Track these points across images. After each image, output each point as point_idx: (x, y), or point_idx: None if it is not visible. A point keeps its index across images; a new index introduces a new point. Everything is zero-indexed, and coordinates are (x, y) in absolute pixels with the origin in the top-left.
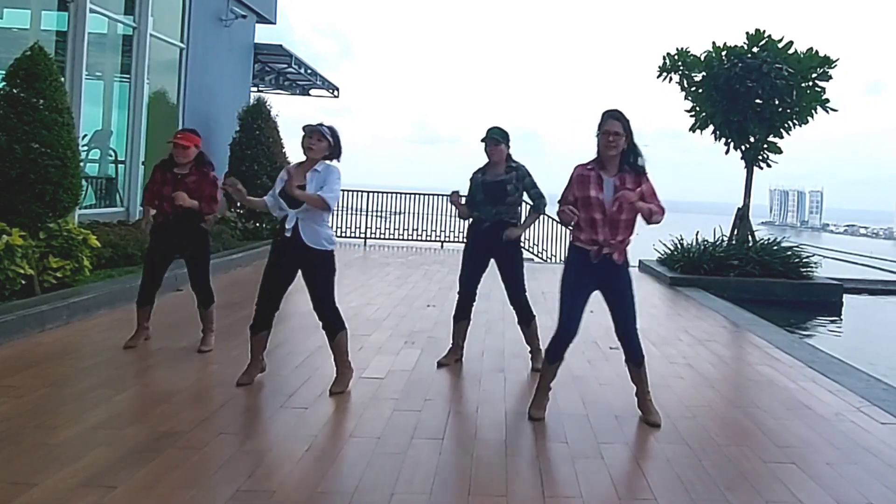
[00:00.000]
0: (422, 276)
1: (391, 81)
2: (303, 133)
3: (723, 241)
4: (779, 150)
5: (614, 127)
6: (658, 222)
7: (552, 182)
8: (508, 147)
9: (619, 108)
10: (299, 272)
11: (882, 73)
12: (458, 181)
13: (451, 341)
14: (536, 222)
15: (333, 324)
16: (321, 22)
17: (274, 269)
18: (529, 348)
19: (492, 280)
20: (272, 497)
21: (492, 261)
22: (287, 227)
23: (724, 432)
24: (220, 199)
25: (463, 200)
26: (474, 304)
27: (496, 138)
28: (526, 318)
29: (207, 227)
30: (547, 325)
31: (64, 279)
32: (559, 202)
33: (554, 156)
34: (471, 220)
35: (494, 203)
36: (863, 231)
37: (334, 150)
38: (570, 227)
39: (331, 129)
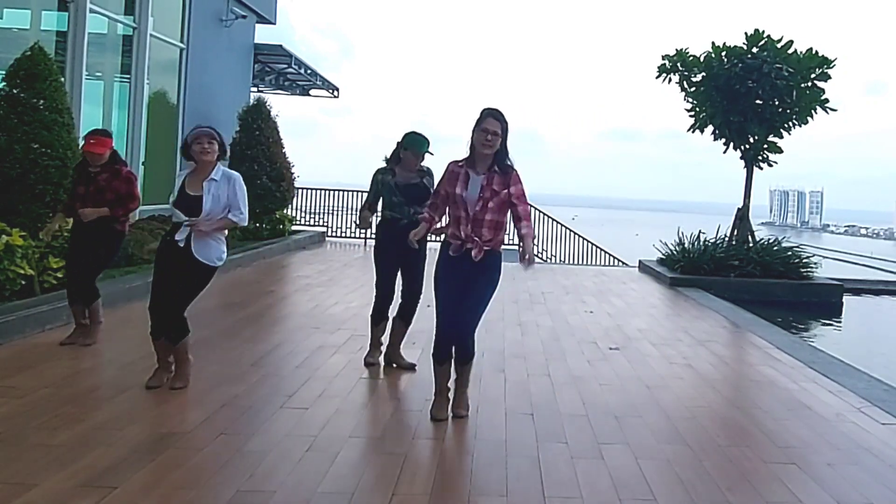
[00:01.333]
0: None
1: (392, 81)
2: (193, 137)
3: (723, 241)
4: (779, 150)
5: (493, 126)
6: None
7: (553, 181)
8: None
9: (500, 108)
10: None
11: (883, 72)
12: None
13: (371, 340)
14: (537, 224)
15: (182, 328)
16: (322, 22)
17: (164, 276)
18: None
19: None
20: (273, 497)
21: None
22: (179, 237)
23: (725, 433)
24: (138, 195)
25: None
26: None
27: (427, 150)
28: (409, 317)
29: (123, 227)
30: (547, 325)
31: (64, 279)
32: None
33: (555, 156)
34: (379, 218)
35: (412, 203)
36: (863, 231)
37: (222, 152)
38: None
39: (215, 129)
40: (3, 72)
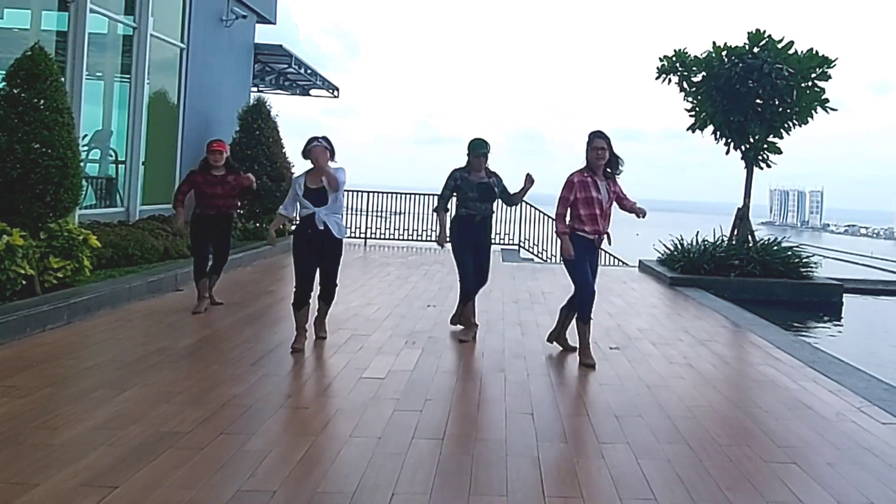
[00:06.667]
0: (422, 277)
1: (396, 82)
2: (310, 149)
3: (723, 241)
4: (778, 151)
5: (600, 144)
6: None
7: (554, 181)
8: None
9: (603, 129)
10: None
11: (889, 72)
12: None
13: (461, 318)
14: (537, 224)
15: (335, 292)
16: (328, 22)
17: (310, 257)
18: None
19: (491, 280)
20: (273, 497)
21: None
22: (320, 223)
23: (725, 432)
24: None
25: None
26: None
27: (483, 151)
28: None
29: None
30: (547, 325)
31: (65, 279)
32: (559, 204)
33: (556, 156)
34: (460, 214)
35: (484, 200)
36: (863, 231)
37: (332, 154)
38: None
39: (325, 139)
40: (4, 72)
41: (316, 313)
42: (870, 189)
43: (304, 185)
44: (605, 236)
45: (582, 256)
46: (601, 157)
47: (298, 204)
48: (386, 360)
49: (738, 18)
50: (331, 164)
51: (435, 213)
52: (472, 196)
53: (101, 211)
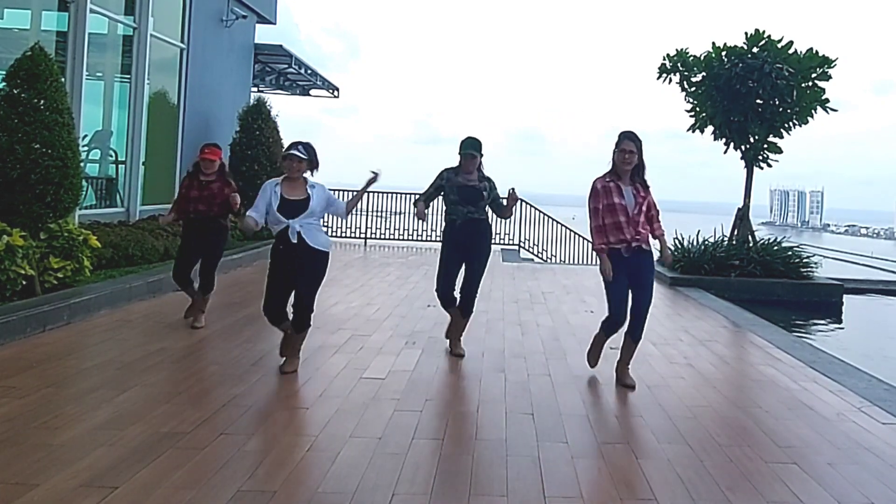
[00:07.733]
0: (422, 277)
1: (395, 81)
2: (286, 156)
3: (723, 241)
4: (779, 150)
5: (629, 146)
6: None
7: (555, 182)
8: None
9: (633, 129)
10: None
11: (889, 72)
12: None
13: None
14: (537, 224)
15: (309, 318)
16: (328, 22)
17: (282, 276)
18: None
19: (491, 280)
20: (273, 497)
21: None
22: (293, 236)
23: (726, 432)
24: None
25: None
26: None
27: (470, 151)
28: (467, 311)
29: (226, 224)
30: (547, 325)
31: (65, 279)
32: (590, 217)
33: (556, 156)
34: (446, 220)
35: (466, 204)
36: (864, 231)
37: (312, 165)
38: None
39: (306, 147)
40: (4, 72)
41: (284, 339)
42: (870, 189)
43: (281, 194)
44: (640, 245)
45: (615, 276)
46: (628, 161)
47: (268, 215)
48: (386, 360)
49: (738, 18)
50: (309, 177)
51: (414, 206)
52: (453, 199)
53: (102, 211)
